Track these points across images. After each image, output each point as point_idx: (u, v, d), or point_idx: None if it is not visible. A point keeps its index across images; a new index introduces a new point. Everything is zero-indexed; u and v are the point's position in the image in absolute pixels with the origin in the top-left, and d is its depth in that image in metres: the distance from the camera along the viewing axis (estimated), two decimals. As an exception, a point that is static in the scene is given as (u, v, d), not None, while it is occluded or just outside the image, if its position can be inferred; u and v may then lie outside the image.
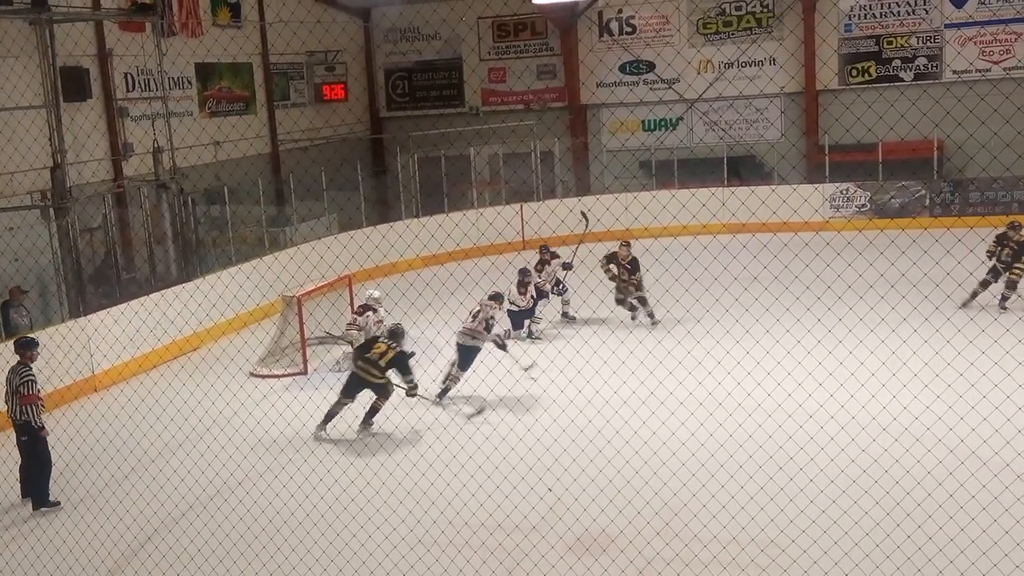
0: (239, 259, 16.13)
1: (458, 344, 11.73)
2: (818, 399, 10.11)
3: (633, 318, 14.61)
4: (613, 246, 15.43)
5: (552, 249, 15.39)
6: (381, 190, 20.99)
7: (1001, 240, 14.32)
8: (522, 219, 20.79)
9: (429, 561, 7.71)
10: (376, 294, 13.40)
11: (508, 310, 13.75)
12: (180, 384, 12.72)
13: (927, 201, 20.32)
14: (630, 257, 14.50)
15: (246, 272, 15.44)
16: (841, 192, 20.76)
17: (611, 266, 14.62)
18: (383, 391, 10.86)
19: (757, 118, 22.94)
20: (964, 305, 13.92)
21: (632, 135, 23.73)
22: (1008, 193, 19.81)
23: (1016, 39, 20.90)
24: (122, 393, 12.83)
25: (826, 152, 21.43)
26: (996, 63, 21.12)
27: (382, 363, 10.75)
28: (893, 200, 20.49)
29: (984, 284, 14.21)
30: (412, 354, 11.05)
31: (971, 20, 21.19)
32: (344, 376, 11.39)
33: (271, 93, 22.04)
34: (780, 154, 22.20)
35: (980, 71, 21.16)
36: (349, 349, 13.27)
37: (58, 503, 9.46)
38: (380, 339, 11.13)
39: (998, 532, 7.41)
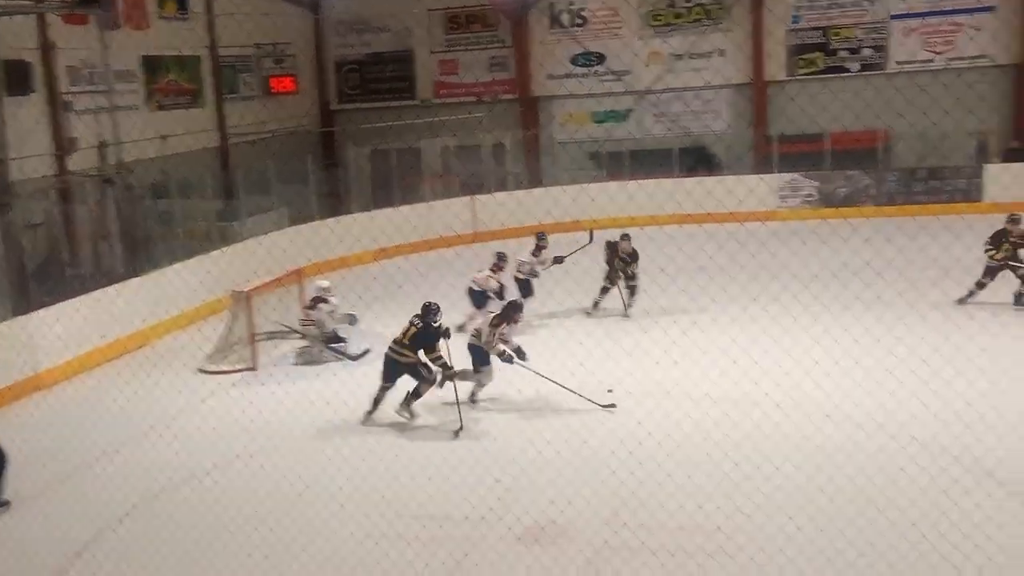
0: (187, 254, 15.93)
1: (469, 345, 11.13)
2: (764, 387, 10.25)
3: (589, 314, 14.44)
4: (565, 238, 15.44)
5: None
6: (332, 183, 20.83)
7: (1000, 236, 13.32)
8: (474, 212, 20.77)
9: (378, 554, 7.69)
10: (325, 283, 13.40)
11: (470, 287, 13.65)
12: (125, 382, 12.54)
13: (872, 191, 20.59)
14: (630, 249, 14.24)
15: (194, 268, 15.27)
16: (788, 182, 20.98)
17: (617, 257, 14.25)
18: (417, 374, 10.41)
19: (706, 109, 23.11)
20: (961, 302, 13.37)
21: (582, 127, 23.80)
22: (950, 182, 20.14)
23: (958, 30, 21.24)
24: (67, 392, 12.64)
25: (774, 143, 21.66)
26: (939, 54, 21.45)
27: (406, 340, 10.37)
28: (839, 190, 20.75)
29: (980, 285, 13.39)
30: (440, 330, 10.37)
31: (914, 11, 21.50)
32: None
33: (219, 86, 21.79)
34: (729, 145, 22.39)
35: (923, 62, 21.48)
36: (304, 343, 13.25)
37: (8, 503, 9.29)
38: (412, 318, 10.64)
39: (937, 513, 7.56)
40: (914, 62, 21.56)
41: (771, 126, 22.22)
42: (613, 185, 21.42)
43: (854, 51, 22.00)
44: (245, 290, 13.37)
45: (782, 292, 13.09)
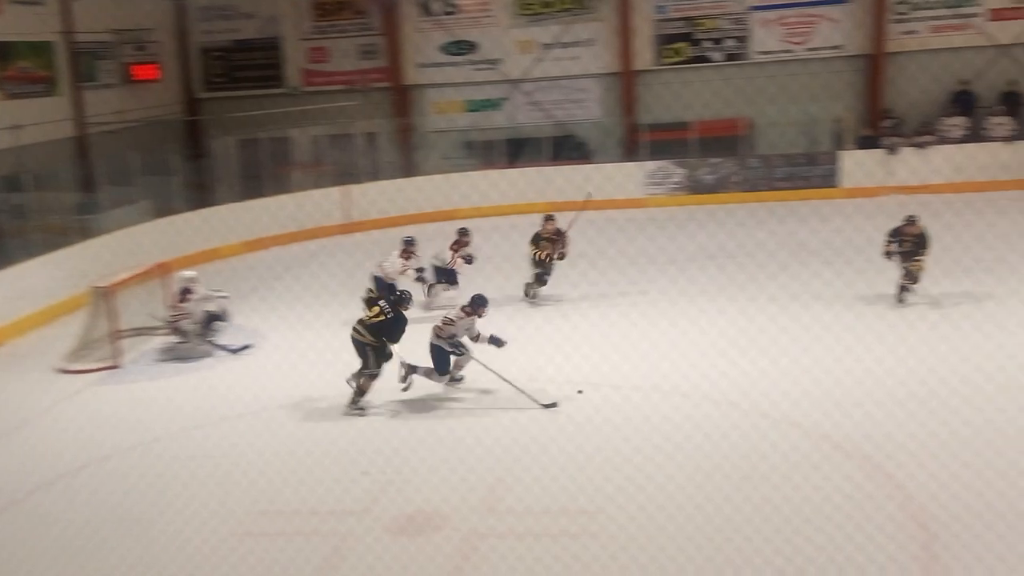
0: (44, 249, 15.30)
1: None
2: (640, 370, 10.54)
3: (533, 295, 14.02)
4: (442, 227, 15.46)
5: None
6: (199, 174, 20.29)
7: (896, 235, 12.94)
8: (347, 201, 20.57)
9: (243, 551, 7.60)
10: (190, 274, 13.16)
11: (375, 275, 13.44)
12: (-20, 383, 12.03)
13: (737, 177, 21.24)
14: (554, 229, 13.88)
15: (53, 263, 14.72)
16: (657, 170, 21.46)
17: (540, 245, 13.84)
18: (368, 358, 10.13)
19: (577, 98, 23.40)
20: (901, 301, 12.77)
21: (456, 116, 23.81)
22: (809, 168, 20.94)
23: (816, 22, 22.04)
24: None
25: (643, 131, 22.11)
26: (797, 44, 22.23)
27: (368, 323, 10.15)
28: (706, 177, 21.34)
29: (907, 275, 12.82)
30: (398, 321, 10.14)
31: (773, 3, 22.21)
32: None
33: (76, 73, 20.94)
34: (599, 134, 22.75)
35: (783, 52, 22.24)
36: (175, 339, 12.92)
37: None
38: (380, 302, 10.41)
39: (808, 488, 7.91)
40: (774, 52, 22.29)
41: (640, 115, 22.66)
42: (487, 174, 21.53)
43: (718, 41, 22.61)
44: (106, 285, 12.95)
45: (659, 276, 13.50)
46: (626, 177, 21.35)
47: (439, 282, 14.01)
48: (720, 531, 7.40)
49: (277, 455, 9.28)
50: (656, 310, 12.74)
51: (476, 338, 10.28)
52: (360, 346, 10.17)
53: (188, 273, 13.18)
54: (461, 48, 23.81)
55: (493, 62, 23.50)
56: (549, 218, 13.96)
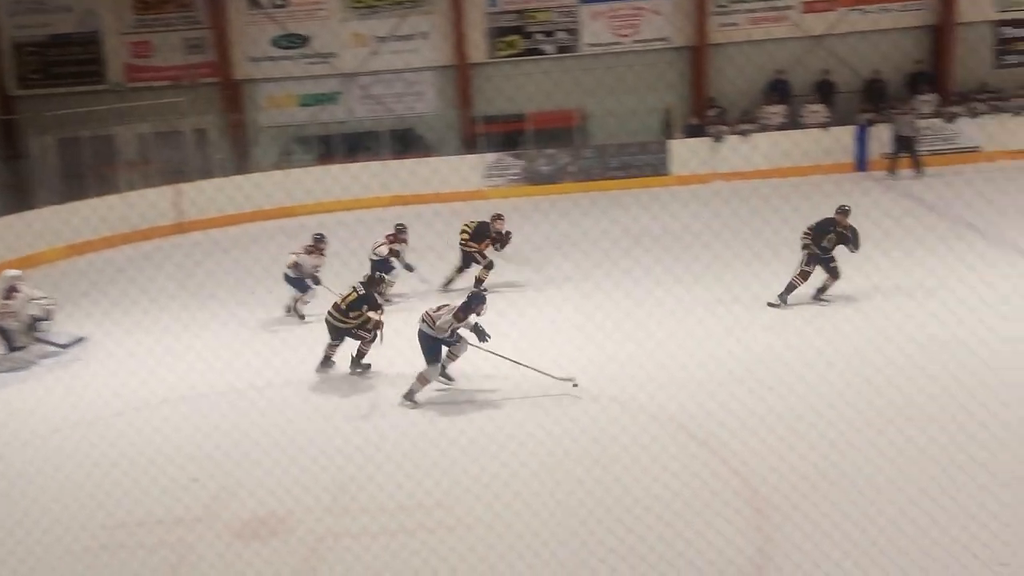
0: None
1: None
2: (489, 360, 10.58)
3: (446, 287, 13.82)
4: (282, 225, 15.13)
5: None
6: (15, 176, 19.18)
7: (827, 225, 12.14)
8: (180, 201, 19.89)
9: (83, 569, 7.26)
10: (14, 272, 12.61)
11: (286, 274, 12.96)
12: None
13: (572, 168, 21.67)
14: (505, 230, 13.83)
15: None
16: (494, 162, 21.66)
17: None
18: (356, 336, 10.63)
19: (412, 91, 23.34)
20: (781, 299, 12.17)
21: (289, 111, 23.34)
22: (640, 157, 21.57)
23: (643, 15, 22.68)
24: None
25: (479, 124, 22.26)
26: (625, 37, 22.83)
27: (343, 306, 10.53)
28: (542, 168, 21.68)
29: (804, 275, 12.17)
30: (375, 294, 10.66)
31: (602, -3, 22.76)
32: None
33: None
34: (437, 127, 22.77)
35: (612, 44, 22.80)
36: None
37: None
38: (355, 285, 10.71)
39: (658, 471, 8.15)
40: (604, 44, 22.83)
41: (478, 107, 22.80)
42: (322, 169, 21.24)
43: (549, 34, 22.97)
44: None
45: (503, 266, 13.60)
46: (466, 169, 21.48)
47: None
48: (573, 516, 7.52)
49: (116, 465, 8.89)
50: (504, 300, 12.85)
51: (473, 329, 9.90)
52: (335, 330, 10.64)
53: (13, 272, 12.63)
54: (293, 41, 23.36)
55: (327, 56, 23.16)
56: (498, 217, 13.89)
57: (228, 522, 7.82)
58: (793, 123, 21.63)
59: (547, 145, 21.94)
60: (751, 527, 7.15)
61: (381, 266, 13.20)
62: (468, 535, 7.38)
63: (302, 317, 12.87)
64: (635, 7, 22.64)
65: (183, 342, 12.33)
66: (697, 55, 22.54)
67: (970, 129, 21.10)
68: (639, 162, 21.53)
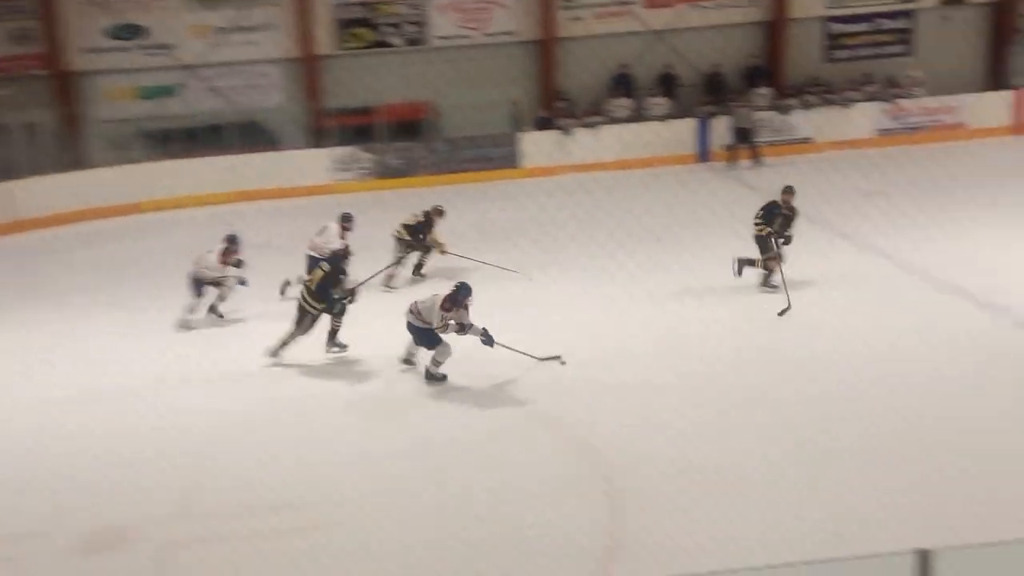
0: None
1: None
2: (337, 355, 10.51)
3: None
4: (124, 223, 14.54)
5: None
6: None
7: (772, 209, 12.24)
8: (8, 199, 18.90)
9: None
10: None
11: (196, 276, 12.26)
12: None
13: (424, 161, 21.62)
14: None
15: None
16: (347, 155, 21.41)
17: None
18: (327, 313, 10.56)
19: (260, 84, 22.79)
20: (770, 286, 12.17)
21: (128, 104, 22.43)
22: (491, 150, 21.72)
23: (491, 8, 22.80)
24: None
25: (329, 117, 21.97)
26: (474, 30, 22.92)
27: (312, 287, 10.49)
28: (394, 161, 21.57)
29: (777, 258, 12.14)
30: (338, 272, 10.67)
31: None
32: None
33: None
34: (284, 120, 22.32)
35: (461, 37, 22.84)
36: None
37: None
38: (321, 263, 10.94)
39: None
40: (453, 37, 22.84)
41: (325, 100, 22.46)
42: (168, 164, 20.54)
43: (397, 26, 22.83)
44: None
45: (359, 264, 13.44)
46: (314, 163, 21.16)
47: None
48: (425, 509, 7.57)
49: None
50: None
51: (462, 330, 9.76)
52: (304, 313, 10.52)
53: None
54: (130, 32, 22.45)
55: (166, 47, 22.34)
56: (439, 212, 13.97)
57: (67, 536, 7.51)
58: (638, 116, 22.18)
59: (398, 138, 21.83)
60: (604, 513, 7.33)
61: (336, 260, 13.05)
62: (320, 536, 7.31)
63: (220, 316, 12.35)
64: (482, 1, 22.75)
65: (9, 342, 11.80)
66: (544, 49, 22.82)
67: (803, 121, 22.11)
68: (490, 155, 21.67)
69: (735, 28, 23.23)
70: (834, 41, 23.78)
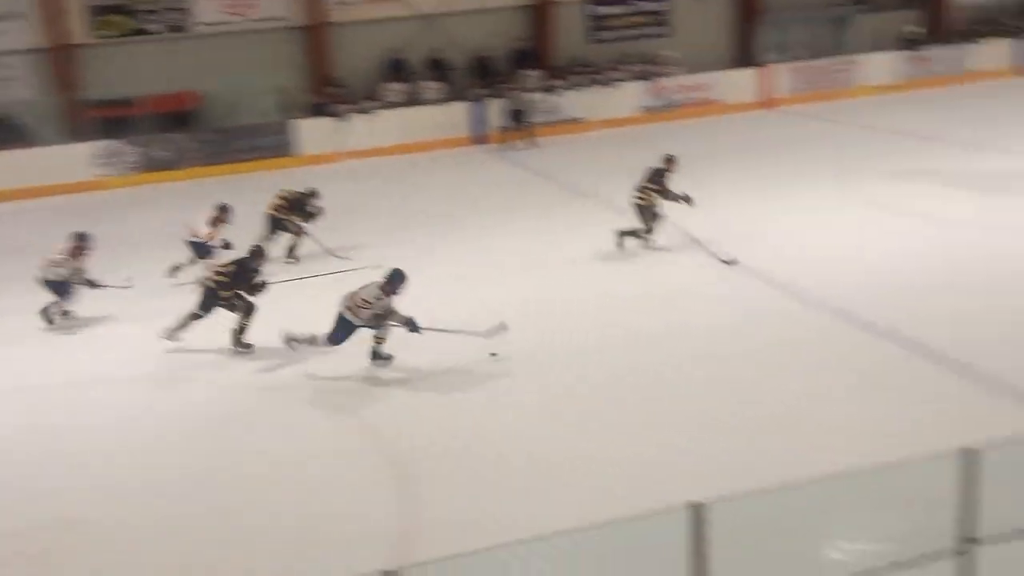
0: None
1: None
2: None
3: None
4: None
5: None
6: None
7: (661, 173, 12.63)
8: None
9: None
10: None
11: (46, 278, 11.41)
12: None
13: (194, 152, 20.86)
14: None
15: None
16: (109, 149, 20.35)
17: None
18: (232, 307, 10.22)
19: (6, 76, 21.24)
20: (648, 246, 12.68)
21: None
22: (263, 139, 21.21)
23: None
24: None
25: (88, 109, 20.81)
26: (240, 16, 22.25)
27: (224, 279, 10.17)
28: (162, 153, 20.69)
29: (648, 231, 12.70)
30: (251, 270, 10.26)
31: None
32: None
33: None
34: (38, 114, 20.94)
35: (226, 24, 22.12)
36: None
37: None
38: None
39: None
40: (217, 24, 22.10)
41: (82, 92, 21.23)
42: None
43: (155, 12, 21.84)
44: None
45: (124, 268, 12.81)
46: (72, 159, 19.98)
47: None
48: (210, 497, 7.40)
49: None
50: (128, 297, 12.14)
51: (390, 317, 9.30)
52: (210, 295, 10.15)
53: None
54: None
55: None
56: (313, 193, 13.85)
57: None
58: (413, 101, 22.26)
59: (164, 129, 20.95)
60: (396, 497, 7.37)
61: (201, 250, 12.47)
62: (92, 554, 7.01)
63: (52, 322, 11.50)
64: (249, -14, 22.13)
65: None
66: (314, 34, 22.47)
67: (572, 101, 22.84)
68: (264, 143, 21.15)
69: (502, 12, 23.72)
70: (597, 23, 24.70)
